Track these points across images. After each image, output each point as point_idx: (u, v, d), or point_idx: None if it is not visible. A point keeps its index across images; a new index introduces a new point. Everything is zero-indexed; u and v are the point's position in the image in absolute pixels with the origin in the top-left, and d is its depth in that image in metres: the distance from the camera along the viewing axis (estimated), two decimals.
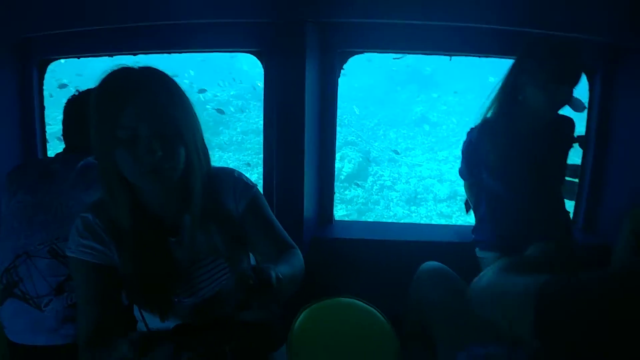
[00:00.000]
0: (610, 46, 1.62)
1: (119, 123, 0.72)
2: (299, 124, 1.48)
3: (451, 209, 8.29)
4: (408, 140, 10.84)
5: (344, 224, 1.88)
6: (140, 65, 0.79)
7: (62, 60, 2.19)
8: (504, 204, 1.46)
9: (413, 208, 8.53)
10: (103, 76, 0.76)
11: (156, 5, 1.55)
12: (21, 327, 1.05)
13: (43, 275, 1.05)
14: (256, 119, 10.62)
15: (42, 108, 1.92)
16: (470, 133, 1.50)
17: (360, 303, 1.32)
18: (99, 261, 0.81)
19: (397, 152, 9.31)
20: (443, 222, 7.98)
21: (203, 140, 0.86)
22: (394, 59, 2.23)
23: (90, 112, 0.76)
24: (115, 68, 0.77)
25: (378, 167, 9.50)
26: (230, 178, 0.92)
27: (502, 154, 1.39)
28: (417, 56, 1.82)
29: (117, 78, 0.75)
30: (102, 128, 0.74)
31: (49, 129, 2.00)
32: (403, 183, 9.19)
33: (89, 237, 0.81)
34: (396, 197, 8.76)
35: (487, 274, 0.69)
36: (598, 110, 1.72)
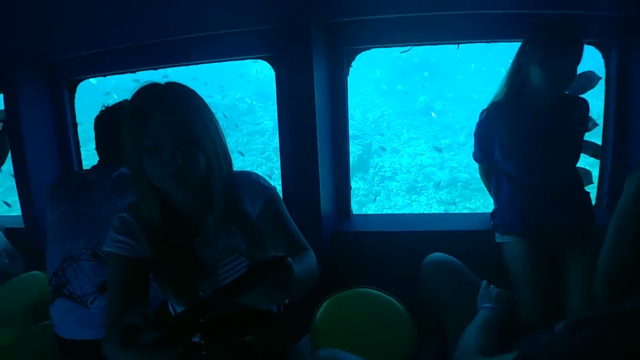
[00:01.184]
0: (622, 20, 1.58)
1: (144, 134, 0.81)
2: (311, 124, 1.54)
3: (451, 195, 8.37)
4: (412, 130, 11.00)
5: (363, 217, 1.92)
6: (170, 78, 0.87)
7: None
8: (520, 185, 1.47)
9: (414, 197, 8.71)
10: (133, 92, 0.85)
11: (173, 21, 1.64)
12: (71, 323, 1.18)
13: (87, 276, 1.17)
14: (260, 120, 11.01)
15: (75, 125, 2.08)
16: (482, 114, 1.52)
17: (379, 292, 1.37)
18: (129, 254, 0.87)
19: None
20: (442, 209, 8.16)
21: (224, 146, 0.92)
22: (401, 52, 2.24)
23: (122, 125, 0.85)
24: (143, 84, 0.86)
25: (379, 159, 9.70)
26: (248, 181, 0.97)
27: (512, 134, 1.42)
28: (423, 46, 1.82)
29: (142, 94, 0.84)
30: (131, 139, 0.83)
31: None
32: (404, 173, 9.42)
33: (123, 233, 0.89)
34: (396, 187, 9.00)
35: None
36: (616, 87, 1.67)
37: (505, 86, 1.45)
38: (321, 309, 1.34)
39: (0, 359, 1.33)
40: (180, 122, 0.81)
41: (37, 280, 1.70)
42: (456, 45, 1.73)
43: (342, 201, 1.85)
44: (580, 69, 1.44)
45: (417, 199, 8.70)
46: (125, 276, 0.86)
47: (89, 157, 1.82)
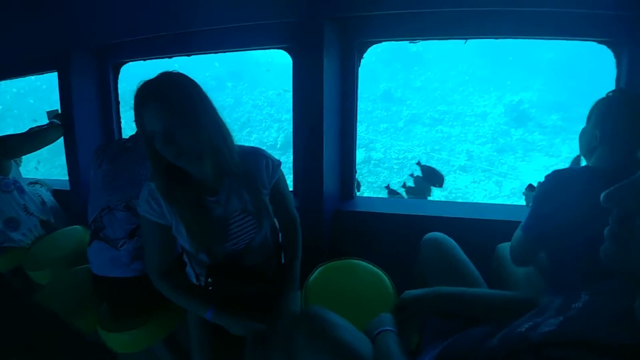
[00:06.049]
0: (633, 19, 1.59)
1: (145, 125, 0.97)
2: (318, 110, 1.69)
3: (361, 171, 10.02)
4: (362, 115, 11.82)
5: (364, 199, 2.05)
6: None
7: None
8: None
9: None
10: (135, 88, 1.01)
11: (205, 13, 1.84)
12: (103, 262, 1.40)
13: (120, 223, 1.39)
14: (225, 97, 12.27)
15: (118, 102, 2.35)
16: None
17: (366, 263, 1.50)
18: (158, 220, 1.09)
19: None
20: None
21: (220, 123, 1.05)
22: (410, 42, 2.35)
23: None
24: (140, 82, 0.99)
25: None
26: (263, 156, 1.18)
27: None
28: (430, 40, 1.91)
29: (138, 90, 0.99)
30: (138, 129, 1.01)
31: None
32: None
33: (151, 201, 1.09)
34: None
35: None
36: (626, 85, 1.68)
37: None
38: (314, 274, 1.49)
39: (40, 296, 1.55)
40: (171, 111, 0.95)
41: (76, 233, 1.95)
42: (463, 41, 1.81)
43: (346, 183, 1.99)
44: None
45: None
46: (156, 236, 1.12)
47: (127, 130, 2.07)
